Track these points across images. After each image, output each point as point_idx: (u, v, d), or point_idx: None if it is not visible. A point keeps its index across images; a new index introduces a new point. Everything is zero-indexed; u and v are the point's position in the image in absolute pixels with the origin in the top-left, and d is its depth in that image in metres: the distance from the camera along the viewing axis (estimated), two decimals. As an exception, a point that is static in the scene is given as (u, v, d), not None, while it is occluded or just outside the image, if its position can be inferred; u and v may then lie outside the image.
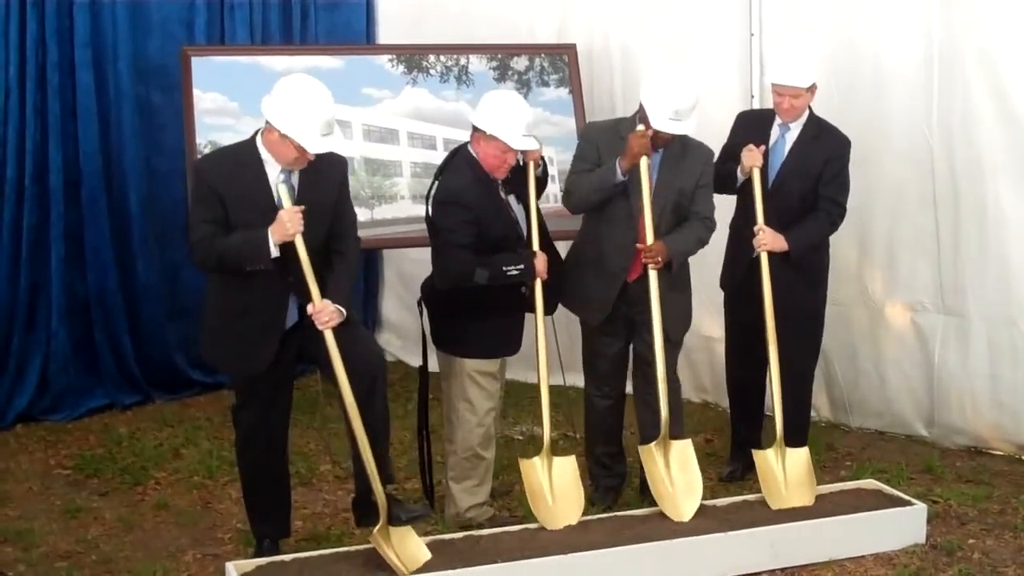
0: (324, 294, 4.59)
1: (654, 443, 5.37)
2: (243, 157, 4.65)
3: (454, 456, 5.40)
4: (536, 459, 5.26)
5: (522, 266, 5.16)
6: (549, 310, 5.33)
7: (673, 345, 5.58)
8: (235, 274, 4.63)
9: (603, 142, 5.48)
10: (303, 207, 4.53)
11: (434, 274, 5.29)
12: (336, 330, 4.62)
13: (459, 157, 5.24)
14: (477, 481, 5.40)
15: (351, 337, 4.72)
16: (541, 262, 5.21)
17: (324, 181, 4.71)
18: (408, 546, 4.72)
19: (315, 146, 4.52)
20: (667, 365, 5.42)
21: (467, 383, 5.29)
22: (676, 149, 5.44)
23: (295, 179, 4.65)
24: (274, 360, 4.73)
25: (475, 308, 5.20)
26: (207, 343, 4.97)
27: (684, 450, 5.38)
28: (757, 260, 5.65)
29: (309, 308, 4.57)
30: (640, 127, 5.29)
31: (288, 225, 4.47)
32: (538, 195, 5.36)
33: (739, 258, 5.87)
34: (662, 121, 5.25)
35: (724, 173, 5.75)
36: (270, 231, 4.49)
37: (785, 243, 5.65)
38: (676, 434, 5.45)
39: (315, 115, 4.49)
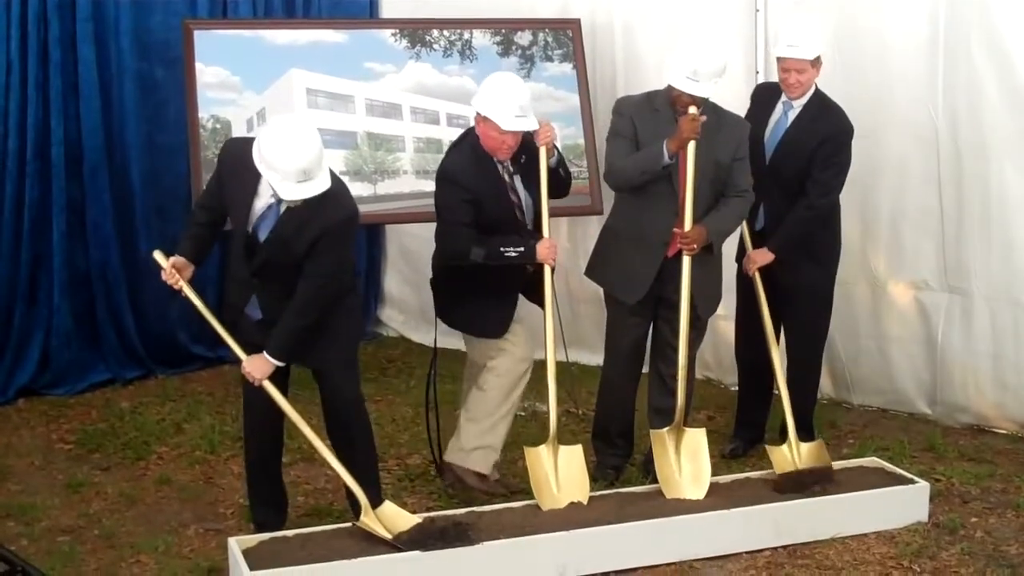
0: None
1: (667, 429, 5.34)
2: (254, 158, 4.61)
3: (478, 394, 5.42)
4: (542, 447, 5.24)
5: (522, 248, 5.14)
6: (538, 302, 5.34)
7: (699, 330, 5.59)
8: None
9: (637, 116, 5.43)
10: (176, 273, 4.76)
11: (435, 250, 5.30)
12: (320, 372, 4.92)
13: (464, 139, 5.25)
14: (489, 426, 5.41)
15: (327, 382, 4.94)
16: (547, 248, 5.19)
17: (312, 222, 4.56)
18: (394, 518, 4.80)
19: (288, 193, 4.44)
20: (690, 351, 5.44)
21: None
22: (711, 121, 5.35)
23: (283, 206, 4.59)
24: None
25: (465, 285, 5.22)
26: None
27: (696, 438, 5.35)
28: (763, 234, 5.76)
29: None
30: (693, 110, 5.24)
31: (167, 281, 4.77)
32: (559, 188, 5.36)
33: (750, 233, 5.87)
34: (679, 79, 5.21)
35: None
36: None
37: (771, 254, 5.74)
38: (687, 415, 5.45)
39: (292, 162, 4.37)
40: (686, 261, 5.27)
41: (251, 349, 4.78)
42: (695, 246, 5.27)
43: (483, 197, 5.11)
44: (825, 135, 5.69)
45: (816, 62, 5.68)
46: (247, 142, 4.62)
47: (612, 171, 5.50)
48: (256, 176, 4.55)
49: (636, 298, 5.50)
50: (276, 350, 4.70)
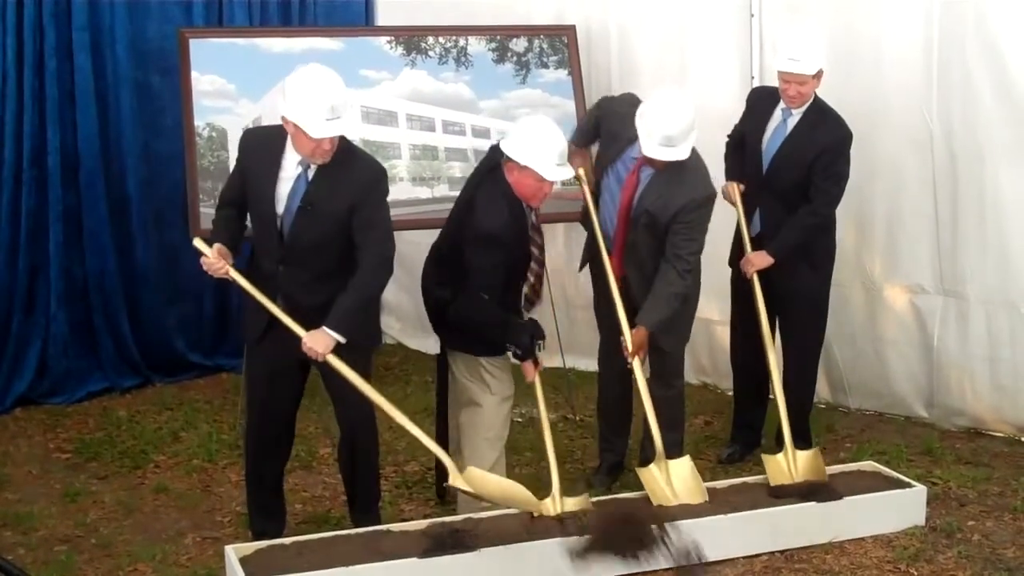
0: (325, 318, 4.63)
1: (652, 466, 5.28)
2: (274, 139, 4.69)
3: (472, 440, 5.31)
4: (547, 501, 5.07)
5: (521, 352, 5.07)
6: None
7: (672, 363, 5.65)
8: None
9: (613, 117, 5.52)
10: (217, 260, 4.64)
11: (456, 301, 5.10)
12: (329, 379, 4.84)
13: (493, 186, 5.03)
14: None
15: (343, 393, 4.88)
16: (530, 371, 5.14)
17: (343, 184, 4.63)
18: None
19: (319, 131, 4.47)
20: (667, 371, 5.51)
21: (480, 366, 5.22)
22: (668, 176, 5.30)
23: (311, 173, 4.64)
24: (278, 349, 4.76)
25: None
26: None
27: (682, 467, 5.29)
28: (760, 239, 5.76)
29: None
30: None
31: (207, 269, 4.65)
32: None
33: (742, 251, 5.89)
34: (652, 148, 5.16)
35: (729, 165, 5.97)
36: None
37: (770, 258, 5.73)
38: (675, 444, 5.43)
39: (319, 100, 4.45)
40: (637, 368, 5.32)
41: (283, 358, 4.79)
42: (641, 354, 5.33)
43: (514, 250, 5.04)
44: (825, 144, 5.69)
45: (817, 74, 5.68)
46: (265, 127, 4.73)
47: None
48: (279, 153, 4.63)
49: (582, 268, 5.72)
50: (338, 323, 4.62)
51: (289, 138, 4.62)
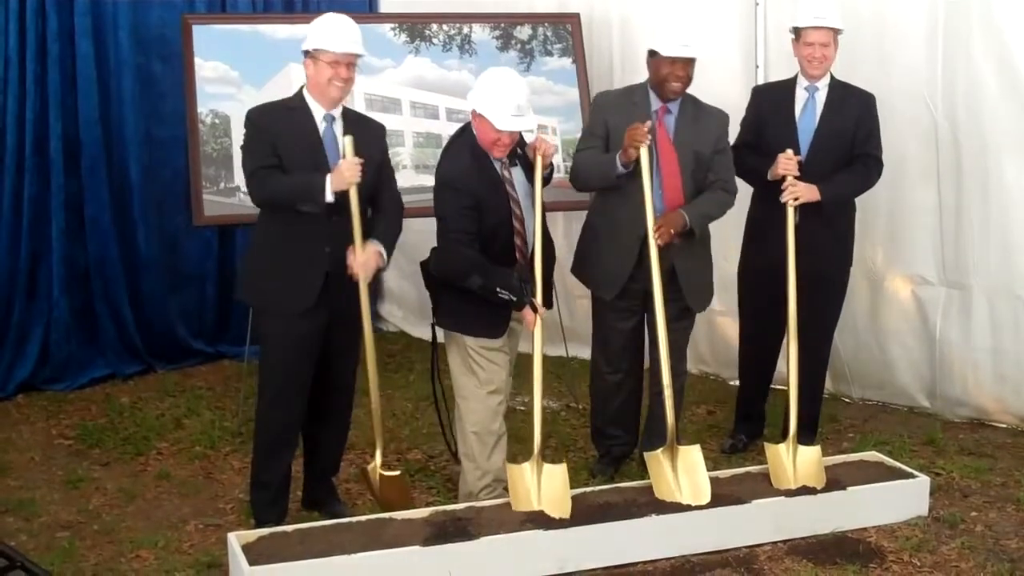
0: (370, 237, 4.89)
1: (661, 450, 5.20)
2: (291, 104, 4.92)
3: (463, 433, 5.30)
4: (526, 464, 5.06)
5: (515, 299, 5.00)
6: (546, 304, 5.21)
7: (685, 327, 5.59)
8: (283, 216, 4.85)
9: (612, 113, 5.43)
10: (362, 160, 4.77)
11: (433, 258, 5.16)
12: (334, 347, 5.04)
13: (461, 136, 5.13)
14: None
15: (338, 360, 5.12)
16: (531, 318, 5.07)
17: (371, 139, 4.97)
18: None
19: (345, 46, 4.78)
20: (675, 354, 5.41)
21: (470, 356, 5.21)
22: (689, 111, 5.40)
23: (336, 127, 4.89)
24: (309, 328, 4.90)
25: (457, 289, 5.09)
26: (251, 283, 5.07)
27: (691, 456, 5.19)
28: (774, 263, 5.52)
29: (350, 256, 4.80)
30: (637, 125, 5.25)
31: (347, 175, 4.73)
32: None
33: (756, 252, 5.86)
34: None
35: (748, 167, 5.72)
36: (329, 177, 4.74)
37: (818, 193, 5.54)
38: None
39: (342, 26, 4.83)
40: (654, 256, 5.19)
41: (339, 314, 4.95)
42: (671, 231, 5.23)
43: (483, 200, 5.00)
44: (859, 113, 5.72)
45: (837, 38, 5.68)
46: (273, 102, 5.04)
47: (574, 174, 5.56)
48: (304, 112, 4.88)
49: (612, 294, 5.51)
50: (388, 248, 4.94)
51: (308, 98, 4.89)
